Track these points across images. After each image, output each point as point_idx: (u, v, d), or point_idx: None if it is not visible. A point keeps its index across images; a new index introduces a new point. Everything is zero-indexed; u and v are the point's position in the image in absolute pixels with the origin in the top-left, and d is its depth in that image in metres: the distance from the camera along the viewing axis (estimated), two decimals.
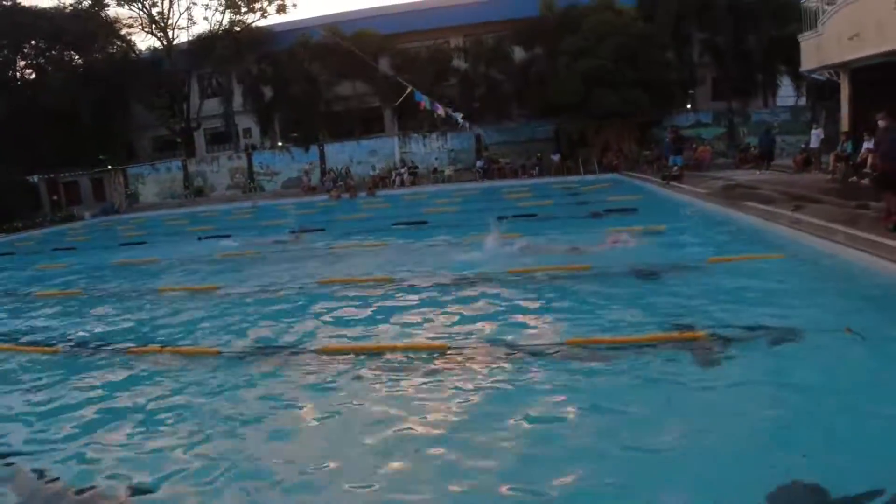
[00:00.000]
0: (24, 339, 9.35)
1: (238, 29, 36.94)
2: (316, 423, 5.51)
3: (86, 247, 22.13)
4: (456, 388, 5.89)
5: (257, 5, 36.86)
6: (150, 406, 6.15)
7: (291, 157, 36.28)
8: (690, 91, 32.16)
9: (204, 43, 36.86)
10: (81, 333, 9.30)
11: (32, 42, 35.59)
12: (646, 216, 14.95)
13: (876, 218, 10.53)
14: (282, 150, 37.05)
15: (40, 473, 4.96)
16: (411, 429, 5.16)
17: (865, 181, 14.77)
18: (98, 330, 9.41)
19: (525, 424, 5.06)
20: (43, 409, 6.40)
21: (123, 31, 38.28)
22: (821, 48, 16.78)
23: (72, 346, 8.60)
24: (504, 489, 4.20)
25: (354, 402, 5.80)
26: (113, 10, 37.75)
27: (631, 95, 27.41)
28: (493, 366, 6.32)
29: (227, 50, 35.52)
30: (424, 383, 6.07)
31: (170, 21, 38.52)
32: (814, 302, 7.43)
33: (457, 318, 8.15)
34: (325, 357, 7.09)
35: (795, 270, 8.88)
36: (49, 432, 5.78)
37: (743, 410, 4.97)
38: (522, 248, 12.09)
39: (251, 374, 6.83)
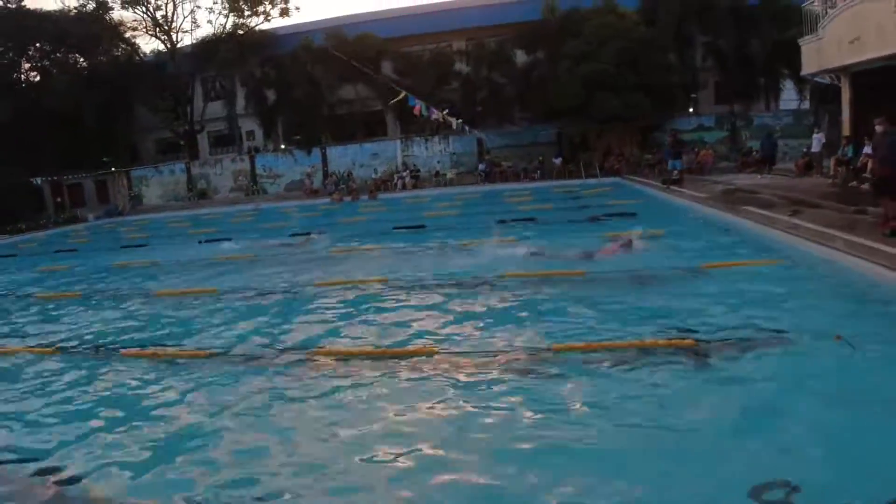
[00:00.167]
0: (23, 340, 9.39)
1: (241, 32, 37.08)
2: (307, 425, 5.53)
3: (87, 249, 22.23)
4: (438, 391, 5.91)
5: (260, 9, 37.01)
6: (142, 406, 6.19)
7: (294, 159, 36.38)
8: (693, 95, 32.10)
9: (207, 46, 37.04)
10: (77, 334, 9.34)
11: (37, 45, 35.79)
12: (644, 221, 14.87)
13: (874, 223, 10.49)
14: (284, 152, 37.17)
15: (36, 474, 5.01)
16: (399, 431, 5.17)
17: (865, 186, 14.71)
18: (94, 331, 9.45)
19: (509, 429, 5.06)
20: (37, 409, 6.44)
21: (128, 35, 38.58)
22: (821, 52, 16.74)
23: (67, 347, 8.64)
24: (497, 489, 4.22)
25: (338, 406, 5.83)
26: (117, 14, 38.06)
27: (632, 99, 27.41)
28: (478, 371, 6.33)
29: (230, 53, 35.64)
30: (409, 387, 6.09)
31: (173, 24, 38.83)
32: (807, 308, 7.41)
33: (445, 322, 8.17)
34: (315, 360, 7.10)
35: (790, 276, 8.84)
36: (42, 433, 5.83)
37: (731, 415, 4.97)
38: (533, 253, 12.04)
39: (242, 376, 6.84)
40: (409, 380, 6.30)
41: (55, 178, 35.66)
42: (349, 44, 33.13)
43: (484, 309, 8.68)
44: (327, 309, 9.59)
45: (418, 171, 33.78)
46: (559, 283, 9.70)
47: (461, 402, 5.66)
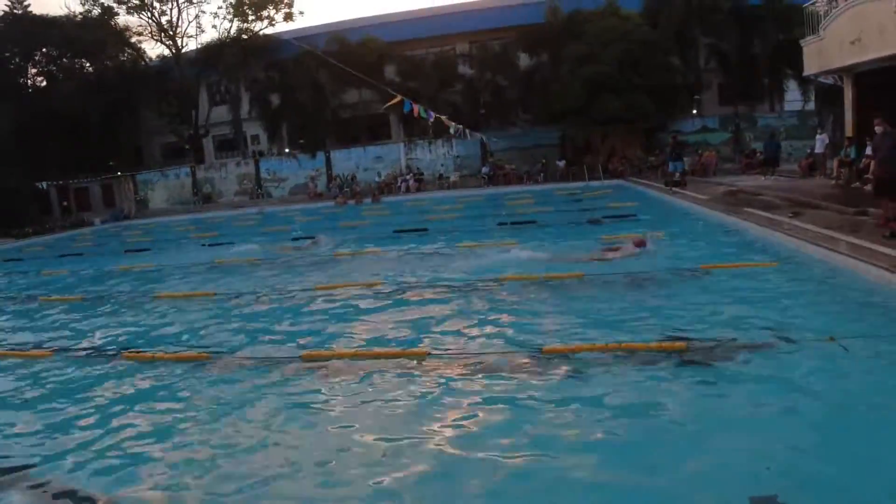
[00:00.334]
0: (25, 343, 9.45)
1: (246, 37, 37.24)
2: (300, 428, 5.55)
3: (92, 252, 22.35)
4: (427, 393, 5.93)
5: (265, 13, 37.16)
6: (140, 410, 6.23)
7: (298, 163, 36.52)
8: (696, 96, 32.02)
9: (212, 51, 37.21)
10: (78, 338, 9.40)
11: (43, 50, 36.16)
12: (644, 223, 14.89)
13: (875, 225, 10.43)
14: (289, 156, 37.32)
15: (34, 476, 5.02)
16: (393, 428, 5.18)
17: (868, 187, 14.62)
18: (95, 334, 9.50)
19: (496, 431, 5.06)
20: (35, 413, 6.48)
21: (133, 40, 38.92)
22: (822, 52, 16.65)
23: (67, 351, 8.68)
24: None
25: (332, 408, 5.85)
26: (123, 19, 38.47)
27: (635, 101, 27.38)
28: (471, 373, 6.33)
29: (234, 58, 35.81)
30: (402, 388, 6.09)
31: (179, 29, 39.06)
32: (803, 311, 7.35)
33: (438, 325, 8.18)
34: (307, 363, 7.12)
35: (787, 279, 8.79)
36: (39, 435, 5.87)
37: (724, 418, 4.96)
38: (542, 255, 12.00)
39: (239, 379, 6.87)
40: (399, 381, 6.31)
41: (61, 182, 35.88)
42: (352, 48, 33.23)
43: (480, 312, 8.68)
44: (325, 312, 9.62)
45: (422, 174, 33.83)
46: (557, 286, 9.69)
47: (450, 405, 5.66)
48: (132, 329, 9.74)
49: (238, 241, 19.67)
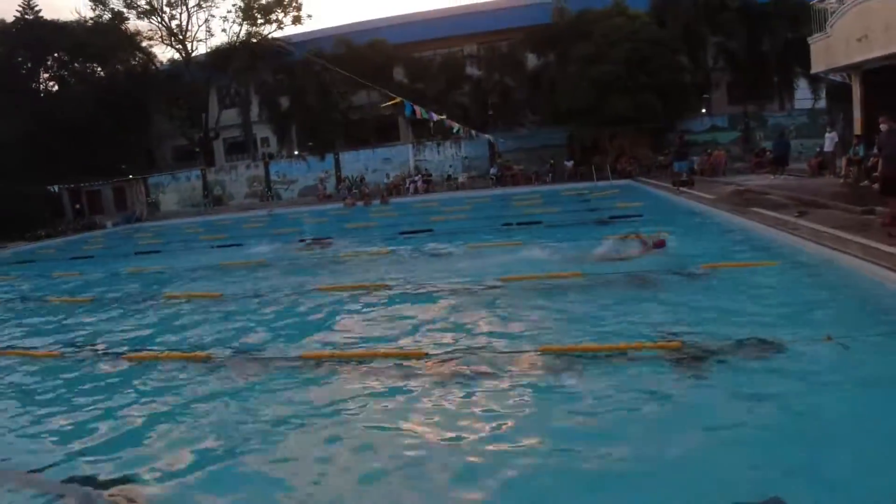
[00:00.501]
0: (35, 344, 9.59)
1: (255, 40, 37.47)
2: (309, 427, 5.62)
3: (104, 255, 22.57)
4: (423, 396, 5.97)
5: (273, 17, 37.38)
6: (143, 409, 6.34)
7: (307, 165, 36.70)
8: (705, 95, 31.83)
9: (222, 54, 37.48)
10: (87, 339, 9.53)
11: (55, 55, 36.58)
12: (650, 223, 14.82)
13: (881, 223, 10.33)
14: (298, 158, 37.50)
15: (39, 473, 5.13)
16: (386, 433, 5.23)
17: (876, 186, 14.48)
18: (103, 335, 9.63)
19: (490, 430, 5.09)
20: (44, 411, 6.61)
21: (144, 44, 39.24)
22: (830, 50, 16.54)
23: (77, 352, 8.80)
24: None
25: (335, 409, 5.89)
26: (133, 24, 38.80)
27: (644, 101, 27.26)
28: (468, 373, 6.35)
29: (243, 61, 36.04)
30: (399, 389, 6.13)
31: (188, 33, 39.44)
32: (802, 310, 7.31)
33: (435, 326, 8.23)
34: (309, 362, 7.18)
35: (788, 278, 8.75)
36: (49, 433, 6.01)
37: (720, 421, 4.94)
38: (563, 256, 11.99)
39: (244, 378, 6.94)
40: (400, 380, 6.37)
41: (74, 185, 36.30)
42: (360, 50, 33.36)
43: (480, 312, 8.71)
44: (324, 313, 9.69)
45: (430, 175, 33.88)
46: (556, 286, 9.68)
47: (446, 405, 5.70)
48: (139, 329, 9.88)
49: (245, 243, 19.83)
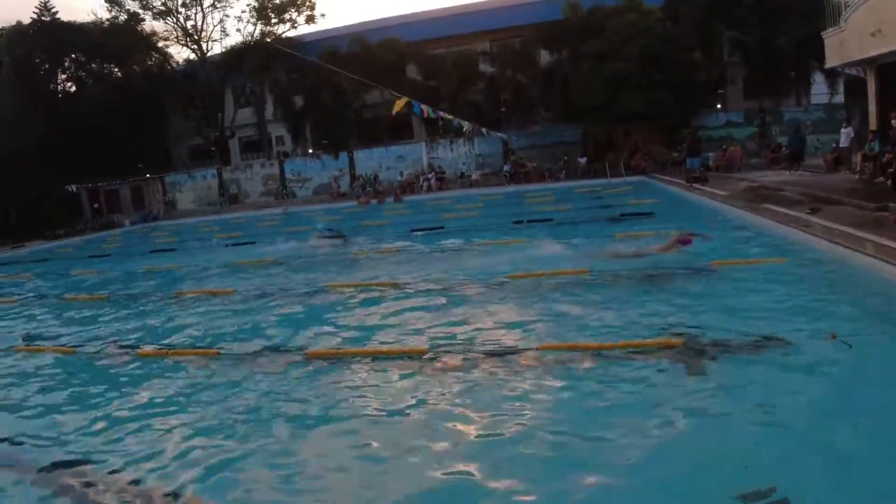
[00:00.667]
0: (50, 340, 9.80)
1: (269, 40, 37.74)
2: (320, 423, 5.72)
3: (120, 253, 22.90)
4: (424, 390, 6.05)
5: (287, 16, 37.62)
6: (156, 405, 6.47)
7: (322, 163, 36.89)
8: (720, 91, 31.55)
9: (237, 54, 37.78)
10: (102, 336, 9.71)
11: (72, 56, 37.11)
12: (661, 220, 14.78)
13: (894, 220, 10.23)
14: (313, 157, 37.73)
15: (56, 467, 5.27)
16: (384, 430, 5.31)
17: (890, 182, 14.33)
18: (118, 332, 9.81)
19: (491, 425, 5.15)
20: (60, 406, 6.78)
21: (159, 45, 39.74)
22: (843, 44, 16.33)
23: (92, 348, 8.99)
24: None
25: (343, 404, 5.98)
26: (149, 24, 39.25)
27: (657, 97, 27.11)
28: (471, 369, 6.42)
29: (258, 60, 36.32)
30: (404, 385, 6.22)
31: (203, 33, 39.80)
32: (808, 308, 7.28)
33: (442, 322, 8.30)
34: (315, 359, 7.28)
35: (796, 275, 8.70)
36: (66, 428, 6.15)
37: (722, 419, 4.96)
38: (582, 252, 12.01)
39: (253, 374, 7.07)
40: (396, 378, 6.46)
41: (92, 184, 36.82)
42: (373, 49, 33.47)
43: (488, 309, 8.76)
44: (332, 310, 9.82)
45: (444, 172, 33.93)
46: (564, 283, 9.71)
47: (448, 401, 5.76)
48: (152, 326, 10.05)
49: (260, 241, 20.04)
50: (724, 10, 29.06)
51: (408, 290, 10.46)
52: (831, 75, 27.28)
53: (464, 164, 34.47)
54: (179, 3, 38.71)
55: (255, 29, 38.45)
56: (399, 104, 16.70)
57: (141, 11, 38.14)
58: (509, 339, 7.31)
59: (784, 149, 24.59)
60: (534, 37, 33.23)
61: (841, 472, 4.06)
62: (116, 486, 4.83)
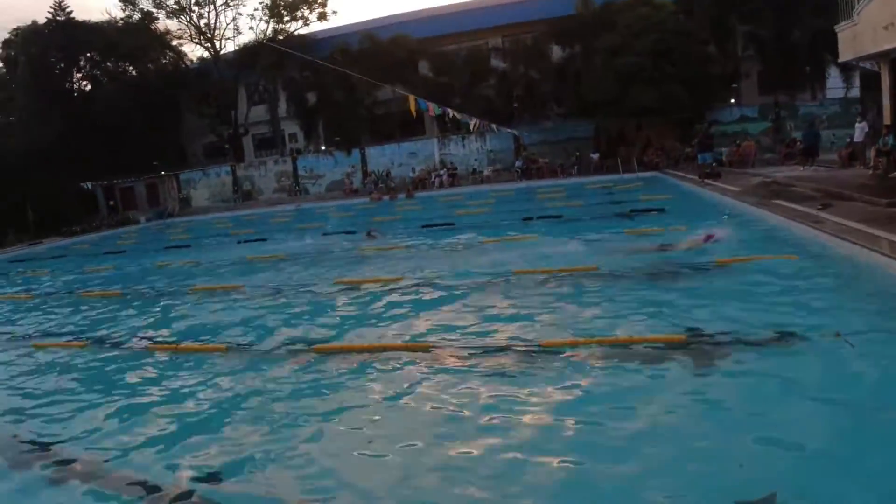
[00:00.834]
0: (64, 335, 10.00)
1: (281, 37, 37.90)
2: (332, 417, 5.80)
3: (135, 250, 23.19)
4: (424, 384, 6.15)
5: (299, 14, 37.77)
6: (166, 400, 6.62)
7: (334, 160, 37.02)
8: (734, 85, 31.26)
9: (249, 52, 38.01)
10: (114, 331, 9.90)
11: (87, 55, 37.52)
12: (671, 217, 14.74)
13: None
14: (325, 153, 37.88)
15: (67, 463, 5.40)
16: (386, 427, 5.38)
17: None
18: (131, 327, 10.00)
19: (494, 423, 5.21)
20: (72, 400, 6.93)
21: (173, 43, 40.05)
22: (857, 38, 16.16)
23: (103, 342, 9.17)
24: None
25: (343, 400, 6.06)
26: (162, 23, 39.59)
27: (670, 92, 26.89)
28: (471, 364, 6.48)
29: (270, 58, 36.47)
30: (410, 380, 6.29)
31: (216, 32, 40.06)
32: (817, 305, 7.24)
33: (447, 318, 8.39)
34: (323, 354, 7.38)
35: (806, 272, 8.65)
36: (77, 422, 6.31)
37: (726, 415, 5.00)
38: (604, 249, 12.03)
39: (267, 369, 7.18)
40: (408, 373, 6.52)
41: (107, 182, 37.24)
42: (384, 45, 33.53)
43: (491, 306, 8.81)
44: (340, 305, 9.93)
45: (455, 169, 33.96)
46: (570, 279, 9.74)
47: (448, 397, 5.83)
48: (165, 321, 10.23)
49: (271, 238, 20.22)
50: (738, 3, 28.78)
51: (412, 287, 10.52)
52: (847, 69, 26.97)
53: (475, 160, 34.46)
54: (192, 1, 39.04)
55: (267, 27, 38.70)
56: (413, 103, 16.76)
57: (154, 10, 38.59)
58: (514, 334, 7.35)
59: (799, 144, 24.37)
60: (545, 32, 33.08)
61: (841, 472, 4.07)
62: (127, 480, 4.95)
